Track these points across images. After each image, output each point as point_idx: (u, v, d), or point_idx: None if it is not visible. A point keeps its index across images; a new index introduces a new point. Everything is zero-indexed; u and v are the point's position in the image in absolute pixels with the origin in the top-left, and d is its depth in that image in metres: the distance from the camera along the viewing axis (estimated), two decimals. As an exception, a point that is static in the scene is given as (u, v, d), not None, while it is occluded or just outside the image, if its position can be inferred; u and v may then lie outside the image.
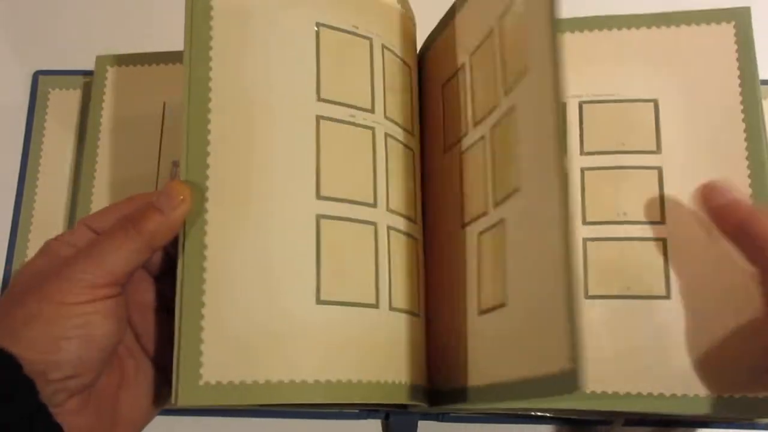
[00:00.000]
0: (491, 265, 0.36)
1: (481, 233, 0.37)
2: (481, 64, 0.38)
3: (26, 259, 0.49)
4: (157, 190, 0.34)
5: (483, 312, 0.36)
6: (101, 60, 0.49)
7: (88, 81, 0.51)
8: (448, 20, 0.42)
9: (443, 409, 0.41)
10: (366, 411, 0.45)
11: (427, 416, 0.45)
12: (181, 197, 0.32)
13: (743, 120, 0.40)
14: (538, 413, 0.44)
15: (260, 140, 0.35)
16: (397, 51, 0.40)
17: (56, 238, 0.33)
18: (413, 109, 0.41)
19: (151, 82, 0.49)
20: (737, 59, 0.41)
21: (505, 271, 0.34)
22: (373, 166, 0.37)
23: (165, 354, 0.34)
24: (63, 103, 0.52)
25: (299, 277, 0.34)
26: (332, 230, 0.35)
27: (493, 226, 0.35)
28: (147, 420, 0.35)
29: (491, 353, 0.35)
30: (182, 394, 0.31)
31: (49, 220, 0.50)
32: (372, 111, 0.38)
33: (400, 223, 0.38)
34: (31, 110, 0.53)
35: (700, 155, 0.40)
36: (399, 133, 0.39)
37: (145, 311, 0.35)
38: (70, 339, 0.30)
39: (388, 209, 0.37)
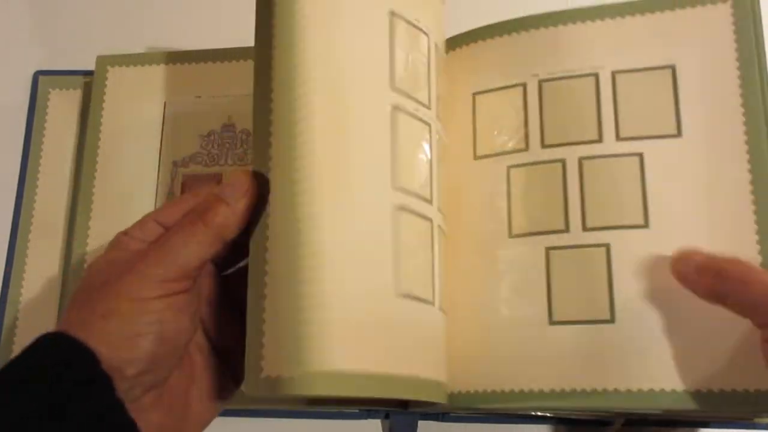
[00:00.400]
0: (578, 281, 0.37)
1: (553, 248, 0.38)
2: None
3: (26, 260, 0.49)
4: (222, 183, 0.34)
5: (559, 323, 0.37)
6: (102, 60, 0.49)
7: (88, 81, 0.51)
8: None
9: (443, 409, 0.41)
10: (366, 411, 0.45)
11: (427, 416, 0.45)
12: (246, 188, 0.32)
13: (742, 105, 0.37)
14: (539, 413, 0.44)
15: (342, 130, 0.34)
16: (442, 50, 0.41)
17: (126, 232, 0.33)
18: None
19: (152, 83, 0.49)
20: (735, 40, 0.39)
21: (613, 291, 0.36)
22: (429, 163, 0.37)
23: (232, 349, 0.34)
24: (63, 104, 0.52)
25: (378, 270, 0.33)
26: (406, 223, 0.35)
27: (583, 246, 0.38)
28: (214, 415, 0.35)
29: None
30: (247, 384, 0.31)
31: (49, 220, 0.50)
32: (429, 107, 0.38)
33: (442, 221, 0.39)
34: (31, 110, 0.52)
35: (695, 141, 0.38)
36: (441, 131, 0.40)
37: (214, 306, 0.35)
38: (145, 335, 0.30)
39: (437, 207, 0.38)
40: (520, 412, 0.44)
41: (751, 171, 0.37)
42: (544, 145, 0.40)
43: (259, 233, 0.33)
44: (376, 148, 0.35)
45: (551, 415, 0.45)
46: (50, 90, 0.53)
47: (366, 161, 0.34)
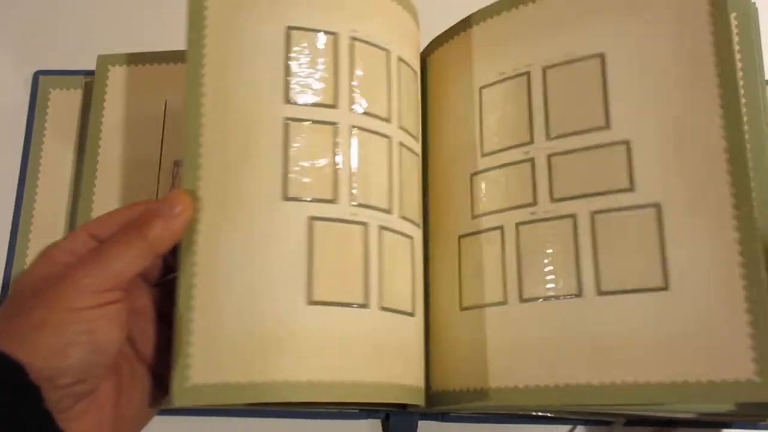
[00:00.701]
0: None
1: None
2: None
3: (27, 260, 0.49)
4: (158, 199, 0.34)
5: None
6: (103, 59, 0.49)
7: (89, 81, 0.51)
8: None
9: (444, 408, 0.41)
10: (366, 411, 0.45)
11: (427, 416, 0.45)
12: (181, 206, 0.34)
13: (718, 86, 0.35)
14: (539, 413, 0.44)
15: (243, 145, 0.36)
16: (410, 60, 0.41)
17: (56, 245, 0.33)
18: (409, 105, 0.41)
19: (152, 82, 0.49)
20: (710, 13, 0.36)
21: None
22: (334, 168, 0.37)
23: (159, 359, 0.35)
24: (63, 104, 0.52)
25: (289, 279, 0.35)
26: (324, 232, 0.36)
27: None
28: (144, 423, 0.35)
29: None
30: (175, 395, 0.33)
31: (49, 221, 0.50)
32: (335, 107, 0.38)
33: (395, 223, 0.38)
34: (32, 110, 0.52)
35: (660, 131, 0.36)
36: (369, 123, 0.39)
37: (141, 317, 0.35)
38: (76, 345, 0.30)
39: (370, 207, 0.38)
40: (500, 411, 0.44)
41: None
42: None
43: (187, 248, 0.34)
44: (266, 160, 0.36)
45: (552, 415, 0.45)
46: (50, 90, 0.53)
47: (257, 174, 0.35)
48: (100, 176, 0.47)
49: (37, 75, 0.53)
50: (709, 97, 0.35)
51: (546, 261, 0.38)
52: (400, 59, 0.40)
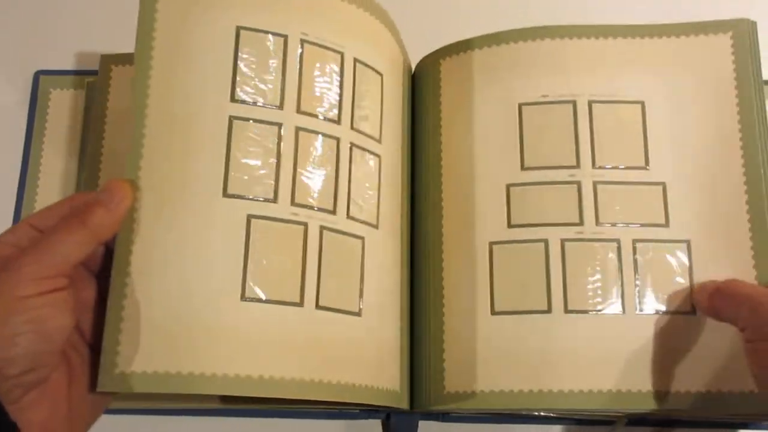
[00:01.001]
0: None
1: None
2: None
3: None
4: (98, 189, 0.35)
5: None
6: (105, 59, 0.49)
7: (90, 81, 0.51)
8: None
9: (444, 408, 0.42)
10: (366, 411, 0.45)
11: (427, 416, 0.45)
12: (121, 194, 0.34)
13: (740, 139, 0.41)
14: (541, 413, 0.44)
15: (186, 139, 0.36)
16: (368, 62, 0.42)
17: None
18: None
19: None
20: (734, 70, 0.42)
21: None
22: (275, 168, 0.38)
23: None
24: (63, 103, 0.52)
25: (224, 273, 0.35)
26: (262, 230, 0.36)
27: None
28: (98, 413, 0.35)
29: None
30: (100, 381, 0.33)
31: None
32: (281, 107, 0.38)
33: (340, 224, 0.39)
34: (32, 110, 0.52)
35: (690, 171, 0.41)
36: (315, 125, 0.39)
37: (87, 307, 0.36)
38: (23, 334, 0.30)
39: (315, 209, 0.38)
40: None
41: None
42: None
43: (124, 236, 0.35)
44: (209, 156, 0.36)
45: (554, 415, 0.45)
46: (51, 90, 0.53)
47: (199, 168, 0.36)
48: (103, 175, 0.47)
49: (37, 75, 0.53)
50: (733, 149, 0.41)
51: (591, 279, 0.40)
52: (357, 60, 0.41)
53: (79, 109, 0.52)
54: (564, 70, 0.43)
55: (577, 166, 0.42)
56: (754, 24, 0.42)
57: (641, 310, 0.40)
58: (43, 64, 0.54)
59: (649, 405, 0.39)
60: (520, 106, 0.43)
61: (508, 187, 0.42)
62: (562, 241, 0.41)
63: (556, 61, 0.43)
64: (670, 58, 0.43)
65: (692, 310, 0.40)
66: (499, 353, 0.40)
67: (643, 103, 0.42)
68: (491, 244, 0.42)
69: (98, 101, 0.48)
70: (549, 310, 0.40)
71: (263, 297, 0.36)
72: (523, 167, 0.42)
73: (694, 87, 0.42)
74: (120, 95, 0.48)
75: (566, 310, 0.40)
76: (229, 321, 0.35)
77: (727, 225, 0.40)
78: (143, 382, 0.33)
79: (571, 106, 0.42)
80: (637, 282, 0.40)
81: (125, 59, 0.49)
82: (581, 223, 0.41)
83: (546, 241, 0.41)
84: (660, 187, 0.41)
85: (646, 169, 0.41)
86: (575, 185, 0.41)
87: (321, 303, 0.37)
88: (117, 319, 0.34)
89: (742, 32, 0.42)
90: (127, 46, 0.50)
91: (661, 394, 0.39)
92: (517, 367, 0.40)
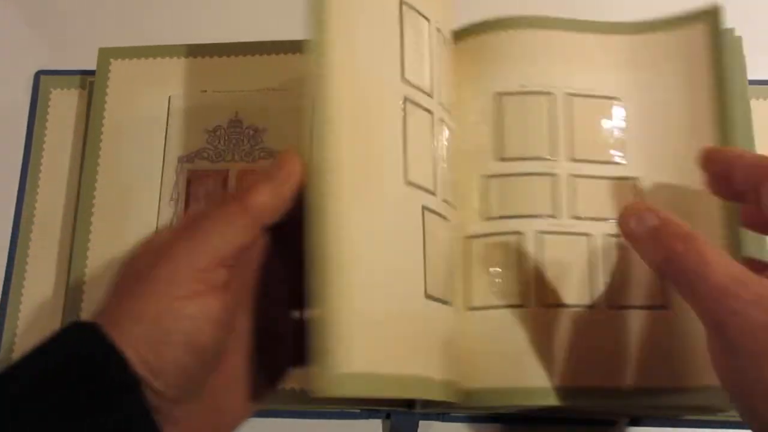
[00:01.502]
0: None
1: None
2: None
3: (27, 260, 0.48)
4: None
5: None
6: (104, 52, 0.49)
7: (92, 81, 0.50)
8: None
9: (444, 408, 0.41)
10: (367, 411, 0.44)
11: (427, 416, 0.44)
12: (290, 168, 0.30)
13: (715, 134, 0.40)
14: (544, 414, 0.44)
15: (370, 123, 0.33)
16: (447, 36, 0.41)
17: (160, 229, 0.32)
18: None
19: (155, 76, 0.48)
20: (710, 63, 0.41)
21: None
22: (432, 154, 0.37)
23: (268, 350, 0.32)
24: (64, 103, 0.52)
25: (413, 268, 0.34)
26: (431, 223, 0.36)
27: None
28: (246, 419, 0.32)
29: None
30: (321, 385, 0.28)
31: (50, 220, 0.49)
32: (431, 95, 0.38)
33: (450, 215, 0.39)
34: (33, 110, 0.52)
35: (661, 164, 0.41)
36: (448, 120, 0.40)
37: (246, 303, 0.32)
38: (175, 345, 0.27)
39: (449, 203, 0.38)
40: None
41: None
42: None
43: (319, 221, 0.30)
44: (392, 142, 0.34)
45: (556, 415, 0.44)
46: (51, 89, 0.52)
47: (384, 156, 0.33)
48: (102, 171, 0.46)
49: (37, 75, 0.53)
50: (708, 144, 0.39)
51: (565, 272, 0.39)
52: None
53: (80, 109, 0.51)
54: (542, 60, 0.42)
55: (555, 158, 0.41)
56: (721, 9, 0.41)
57: (612, 305, 0.39)
58: (44, 63, 0.53)
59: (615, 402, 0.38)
60: (499, 95, 0.42)
61: (484, 178, 0.41)
62: (536, 233, 0.40)
63: (535, 51, 0.42)
64: (646, 55, 0.42)
65: (664, 304, 0.39)
66: (476, 349, 0.39)
67: (619, 99, 0.42)
68: (468, 238, 0.41)
69: (97, 96, 0.48)
70: (523, 305, 0.39)
71: (438, 296, 0.35)
72: (501, 158, 0.41)
73: (670, 83, 0.42)
74: (119, 90, 0.48)
75: (540, 304, 0.39)
76: (409, 318, 0.33)
77: (701, 220, 0.39)
78: (365, 384, 0.30)
79: (550, 98, 0.42)
80: (610, 277, 0.39)
81: (124, 53, 0.48)
82: (555, 216, 0.40)
83: (522, 234, 0.40)
84: (633, 183, 0.41)
85: (622, 164, 0.41)
86: (551, 177, 0.41)
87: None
88: (334, 315, 0.29)
89: (714, 20, 0.41)
90: (130, 45, 0.50)
91: (627, 390, 0.37)
92: (497, 364, 0.38)
